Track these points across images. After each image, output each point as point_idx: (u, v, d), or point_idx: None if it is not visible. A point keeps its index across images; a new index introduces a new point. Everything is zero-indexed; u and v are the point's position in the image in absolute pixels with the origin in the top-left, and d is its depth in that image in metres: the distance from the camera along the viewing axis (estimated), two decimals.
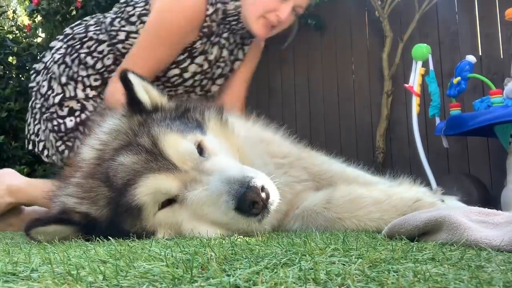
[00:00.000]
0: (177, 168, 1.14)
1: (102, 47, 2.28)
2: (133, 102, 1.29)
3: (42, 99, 2.33)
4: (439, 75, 3.68)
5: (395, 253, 0.76)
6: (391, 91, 4.13)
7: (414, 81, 2.99)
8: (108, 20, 2.32)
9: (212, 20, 2.23)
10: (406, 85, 3.06)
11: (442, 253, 0.76)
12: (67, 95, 2.26)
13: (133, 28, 2.24)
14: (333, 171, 1.67)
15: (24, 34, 5.00)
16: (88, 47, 2.28)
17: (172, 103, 1.36)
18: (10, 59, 4.81)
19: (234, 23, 2.30)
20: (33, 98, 2.43)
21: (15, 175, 2.24)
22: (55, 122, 2.25)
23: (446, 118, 2.95)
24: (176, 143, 1.16)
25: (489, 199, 3.11)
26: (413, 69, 3.02)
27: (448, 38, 3.98)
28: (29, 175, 4.29)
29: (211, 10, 2.19)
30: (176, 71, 2.30)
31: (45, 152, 2.44)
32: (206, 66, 2.36)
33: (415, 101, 2.98)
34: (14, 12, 5.90)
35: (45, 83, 2.33)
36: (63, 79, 2.28)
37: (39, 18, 4.69)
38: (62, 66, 2.31)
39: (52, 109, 2.28)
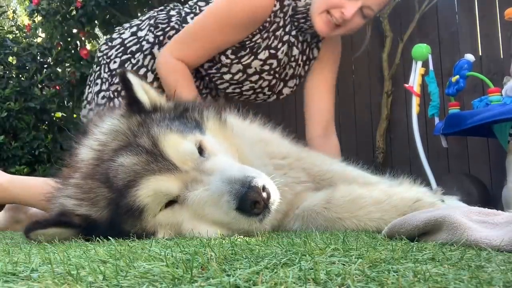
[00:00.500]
0: (177, 168, 1.13)
1: None
2: (132, 102, 1.28)
3: (109, 73, 2.30)
4: (439, 75, 3.68)
5: (395, 253, 0.76)
6: (391, 91, 4.13)
7: (414, 81, 2.99)
8: (183, 13, 2.32)
9: (276, 16, 2.18)
10: (406, 85, 3.06)
11: (442, 253, 0.76)
12: None
13: None
14: (333, 171, 1.67)
15: (24, 34, 5.00)
16: (169, 38, 2.26)
17: (170, 103, 1.35)
18: (10, 59, 4.81)
19: (302, 21, 2.25)
20: (98, 67, 2.39)
21: None
22: (114, 102, 2.22)
23: (445, 117, 2.95)
24: (177, 143, 1.16)
25: (489, 199, 3.11)
26: (413, 69, 3.02)
27: (448, 38, 3.98)
28: (29, 175, 4.30)
29: (278, 6, 2.14)
30: (239, 66, 2.25)
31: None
32: (275, 64, 2.29)
33: (415, 101, 2.98)
34: (14, 12, 5.90)
35: (118, 60, 2.30)
36: (142, 70, 2.25)
37: (39, 18, 4.69)
38: (148, 57, 2.28)
39: (114, 87, 2.25)
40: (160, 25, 2.32)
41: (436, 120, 3.04)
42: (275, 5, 2.14)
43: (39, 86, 4.77)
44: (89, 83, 2.47)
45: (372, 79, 4.33)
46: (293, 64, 2.41)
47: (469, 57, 2.93)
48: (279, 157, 1.56)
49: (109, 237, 1.09)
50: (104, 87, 2.32)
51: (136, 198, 1.09)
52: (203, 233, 1.10)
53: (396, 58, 4.11)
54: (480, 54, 3.79)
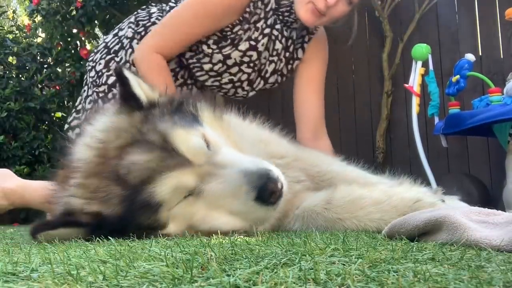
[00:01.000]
0: (191, 163, 1.15)
1: None
2: (129, 98, 1.28)
3: (96, 75, 2.31)
4: (439, 75, 3.68)
5: (395, 253, 0.76)
6: (391, 91, 4.13)
7: (414, 81, 2.99)
8: (167, 8, 2.34)
9: (257, 7, 2.17)
10: (406, 85, 3.06)
11: (442, 253, 0.76)
12: None
13: None
14: (333, 171, 1.66)
15: (24, 34, 5.00)
16: None
17: (164, 98, 1.35)
18: (10, 59, 4.81)
19: (287, 14, 2.24)
20: (86, 74, 2.44)
21: (9, 177, 2.20)
22: (98, 103, 2.23)
23: (445, 117, 2.95)
24: (187, 138, 1.17)
25: (489, 199, 3.11)
26: (413, 69, 3.02)
27: (448, 38, 3.98)
28: (29, 175, 4.29)
29: None
30: (220, 56, 2.24)
31: None
32: (254, 56, 2.27)
33: (415, 101, 2.98)
34: (14, 12, 5.91)
35: (103, 62, 2.32)
36: (127, 66, 2.27)
37: (39, 18, 4.69)
38: (129, 51, 2.29)
39: (101, 88, 2.25)
40: (140, 22, 2.34)
41: (436, 119, 3.04)
42: None
43: (39, 86, 4.77)
44: (82, 92, 2.49)
45: (372, 79, 4.33)
46: (275, 58, 2.37)
47: (470, 57, 2.93)
48: (278, 156, 1.55)
49: (109, 237, 1.09)
50: (90, 91, 2.34)
51: (155, 195, 1.10)
52: (217, 223, 1.14)
53: (396, 58, 4.11)
54: (480, 54, 3.79)
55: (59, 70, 4.73)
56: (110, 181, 1.14)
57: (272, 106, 4.35)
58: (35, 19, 4.81)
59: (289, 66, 2.48)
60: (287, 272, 0.59)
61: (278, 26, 2.29)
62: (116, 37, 2.39)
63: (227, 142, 1.30)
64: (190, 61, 2.29)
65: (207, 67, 2.27)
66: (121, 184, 1.13)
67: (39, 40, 4.99)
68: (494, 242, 0.83)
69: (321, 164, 1.69)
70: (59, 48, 4.60)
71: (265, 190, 1.09)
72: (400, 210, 1.26)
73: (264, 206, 1.12)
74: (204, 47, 2.23)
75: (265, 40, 2.26)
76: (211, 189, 1.14)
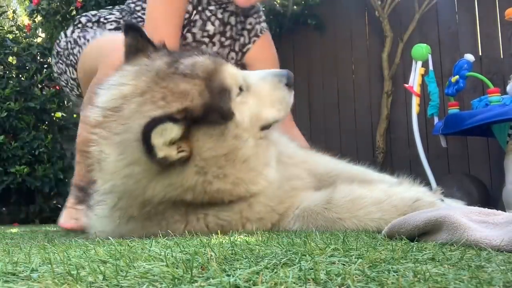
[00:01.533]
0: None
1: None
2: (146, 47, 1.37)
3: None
4: (439, 75, 3.69)
5: (395, 253, 0.76)
6: (391, 91, 4.13)
7: (414, 81, 2.99)
8: (132, 6, 2.31)
9: None
10: (406, 85, 3.07)
11: (442, 253, 0.76)
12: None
13: None
14: (339, 171, 1.68)
15: (24, 34, 5.00)
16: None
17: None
18: (10, 59, 4.81)
19: None
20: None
21: None
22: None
23: (444, 117, 2.95)
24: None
25: (489, 199, 3.11)
26: (413, 69, 3.03)
27: (448, 38, 3.98)
28: (29, 175, 4.30)
29: None
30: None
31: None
32: (189, 38, 2.23)
33: (415, 101, 2.98)
34: (14, 12, 5.90)
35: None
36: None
37: (39, 18, 4.69)
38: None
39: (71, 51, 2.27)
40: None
41: (436, 120, 3.04)
42: None
43: (39, 86, 4.77)
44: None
45: (372, 79, 4.33)
46: (206, 40, 2.26)
47: (469, 57, 2.93)
48: (286, 156, 1.57)
49: (109, 237, 1.09)
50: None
51: (224, 81, 1.26)
52: (263, 113, 1.35)
53: (396, 58, 4.11)
54: (480, 54, 3.79)
55: None
56: (178, 81, 1.21)
57: None
58: (35, 19, 4.81)
59: (233, 54, 2.37)
60: (287, 272, 0.59)
61: (212, 8, 2.21)
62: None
63: None
64: None
65: None
66: (191, 80, 1.22)
67: (39, 40, 5.00)
68: (494, 242, 0.83)
69: (326, 165, 1.70)
70: None
71: (290, 77, 1.45)
72: (400, 209, 1.27)
73: (290, 89, 1.45)
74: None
75: (209, 25, 2.21)
76: (257, 82, 1.38)
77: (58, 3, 4.33)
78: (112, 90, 1.25)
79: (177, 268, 0.63)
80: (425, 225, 0.98)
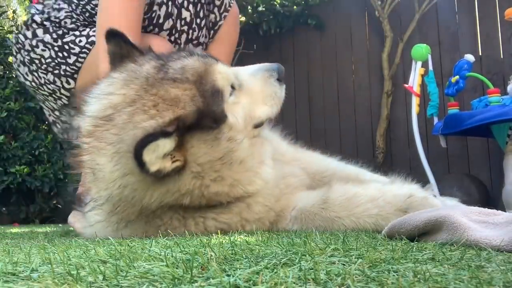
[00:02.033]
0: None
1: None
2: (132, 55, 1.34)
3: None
4: (439, 75, 3.69)
5: (395, 253, 0.76)
6: (391, 91, 4.13)
7: (414, 81, 2.99)
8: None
9: None
10: (406, 85, 3.07)
11: (442, 253, 0.76)
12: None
13: None
14: (333, 169, 1.68)
15: None
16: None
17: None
18: (10, 59, 4.81)
19: None
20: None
21: None
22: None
23: (444, 117, 2.95)
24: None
25: (489, 199, 3.11)
26: (413, 69, 3.03)
27: (448, 38, 3.98)
28: (29, 175, 4.30)
29: None
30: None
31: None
32: (186, 28, 2.11)
33: (415, 101, 2.98)
34: (14, 12, 5.90)
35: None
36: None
37: None
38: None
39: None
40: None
41: (435, 120, 3.04)
42: None
43: None
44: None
45: (372, 79, 4.33)
46: (185, 28, 2.13)
47: (469, 57, 2.93)
48: (279, 153, 1.58)
49: (109, 237, 1.09)
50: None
51: (216, 83, 1.25)
52: (256, 111, 1.35)
53: (396, 58, 4.11)
54: (480, 54, 3.79)
55: None
56: (168, 87, 1.18)
57: None
58: None
59: (207, 33, 2.27)
60: (287, 272, 0.59)
61: None
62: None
63: None
64: None
65: None
66: (182, 85, 1.19)
67: None
68: (494, 242, 0.83)
69: (319, 163, 1.70)
70: None
71: (281, 71, 1.44)
72: (395, 205, 1.29)
73: (282, 84, 1.44)
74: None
75: (173, 9, 2.06)
76: (249, 78, 1.37)
77: None
78: (101, 99, 1.22)
79: (177, 268, 0.63)
80: (425, 225, 0.98)
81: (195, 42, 2.20)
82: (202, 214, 1.29)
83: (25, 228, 2.93)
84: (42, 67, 2.08)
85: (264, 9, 4.78)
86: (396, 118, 4.14)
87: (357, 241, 0.94)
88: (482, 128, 2.74)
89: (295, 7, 4.64)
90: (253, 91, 1.37)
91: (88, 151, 1.20)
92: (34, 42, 2.06)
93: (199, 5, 2.15)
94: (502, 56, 3.74)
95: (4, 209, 4.56)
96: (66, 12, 2.09)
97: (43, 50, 2.04)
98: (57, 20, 2.08)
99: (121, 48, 1.36)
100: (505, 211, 1.19)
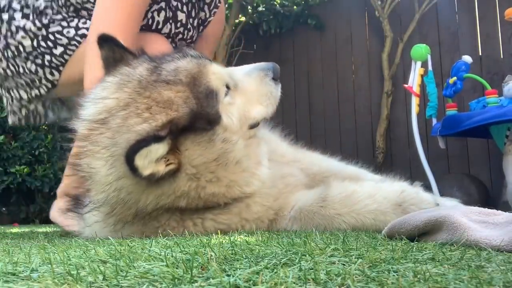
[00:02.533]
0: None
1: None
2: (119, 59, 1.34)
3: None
4: (439, 75, 3.69)
5: (395, 253, 0.76)
6: (391, 91, 4.13)
7: (414, 82, 2.99)
8: None
9: None
10: (406, 85, 3.07)
11: (442, 253, 0.76)
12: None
13: None
14: (334, 170, 1.69)
15: None
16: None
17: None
18: None
19: None
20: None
21: None
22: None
23: (442, 119, 2.95)
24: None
25: (489, 199, 3.11)
26: (413, 70, 3.03)
27: (448, 38, 3.98)
28: (29, 175, 4.30)
29: None
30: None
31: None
32: (182, 30, 2.09)
33: (415, 101, 2.98)
34: None
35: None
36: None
37: None
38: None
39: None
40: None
41: (434, 121, 3.04)
42: None
43: None
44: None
45: (372, 79, 4.33)
46: (181, 29, 2.11)
47: (467, 58, 2.93)
48: (278, 154, 1.58)
49: (109, 237, 1.09)
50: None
51: (210, 84, 1.24)
52: (252, 112, 1.34)
53: (396, 58, 4.11)
54: (480, 54, 3.79)
55: None
56: (161, 89, 1.18)
57: None
58: None
59: (199, 29, 2.26)
60: (287, 272, 0.59)
61: None
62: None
63: None
64: None
65: None
66: (175, 87, 1.19)
67: None
68: (494, 242, 0.83)
69: (319, 163, 1.71)
70: None
71: (276, 70, 1.43)
72: (391, 200, 1.33)
73: (277, 83, 1.43)
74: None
75: (169, 12, 2.04)
76: (244, 78, 1.37)
77: None
78: (96, 104, 1.22)
79: (177, 268, 0.63)
80: (425, 225, 0.98)
81: (189, 41, 2.19)
82: (200, 215, 1.29)
83: (25, 228, 2.93)
84: (21, 56, 2.00)
85: (264, 9, 4.79)
86: (396, 118, 4.14)
87: (357, 241, 0.94)
88: (480, 129, 2.74)
89: (295, 7, 4.64)
90: (248, 91, 1.36)
91: (84, 155, 1.20)
92: (13, 28, 1.98)
93: (190, 4, 2.14)
94: (502, 56, 3.74)
95: (4, 209, 4.56)
96: (45, 1, 2.00)
97: (22, 37, 1.97)
98: (37, 9, 2.00)
99: (114, 52, 1.35)
100: (508, 211, 1.19)
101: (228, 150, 1.23)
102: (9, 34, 2.00)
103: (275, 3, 4.77)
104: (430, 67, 3.02)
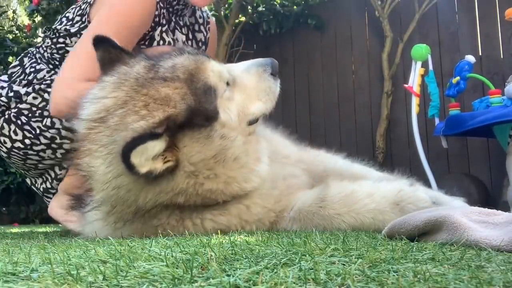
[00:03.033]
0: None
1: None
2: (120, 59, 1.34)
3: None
4: (439, 75, 3.69)
5: (395, 253, 0.76)
6: (391, 91, 4.13)
7: (414, 81, 2.99)
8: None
9: (161, 7, 1.99)
10: (406, 85, 3.06)
11: (442, 253, 0.76)
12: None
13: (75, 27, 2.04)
14: (340, 169, 1.70)
15: (24, 34, 5.00)
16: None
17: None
18: (10, 59, 4.81)
19: (175, 3, 2.08)
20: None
21: None
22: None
23: (446, 118, 2.95)
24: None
25: (489, 199, 3.11)
26: (413, 69, 3.02)
27: (448, 38, 3.98)
28: None
29: None
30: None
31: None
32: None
33: (415, 101, 2.98)
34: (14, 12, 5.90)
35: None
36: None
37: (39, 18, 4.69)
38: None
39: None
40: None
41: (436, 120, 3.04)
42: None
43: None
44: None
45: (372, 79, 4.33)
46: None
47: (470, 58, 2.93)
48: (282, 155, 1.58)
49: (109, 237, 1.09)
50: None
51: (208, 80, 1.24)
52: (250, 108, 1.34)
53: (396, 58, 4.11)
54: (480, 54, 3.79)
55: None
56: (159, 86, 1.18)
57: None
58: (35, 19, 4.81)
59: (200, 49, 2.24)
60: (287, 272, 0.59)
61: (173, 18, 2.11)
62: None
63: None
64: None
65: None
66: (172, 84, 1.19)
67: (39, 40, 4.99)
68: (494, 242, 0.83)
69: (325, 163, 1.71)
70: None
71: (275, 66, 1.43)
72: (390, 199, 1.33)
73: (276, 78, 1.43)
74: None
75: (178, 34, 2.11)
76: (243, 73, 1.37)
77: (58, 3, 4.33)
78: (95, 103, 1.22)
79: (177, 268, 0.63)
80: (425, 225, 0.98)
81: None
82: (199, 215, 1.28)
83: (25, 228, 2.93)
84: (36, 114, 1.91)
85: (264, 9, 4.78)
86: (396, 118, 4.14)
87: (357, 241, 0.94)
88: (483, 129, 2.74)
89: (295, 7, 4.64)
90: (247, 87, 1.36)
91: (84, 154, 1.20)
92: (22, 94, 1.93)
93: (185, 28, 2.19)
94: (502, 56, 3.74)
95: (4, 209, 4.56)
96: (47, 71, 2.00)
97: (34, 98, 1.91)
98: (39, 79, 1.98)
99: (110, 53, 1.36)
100: (508, 211, 1.19)
101: (227, 147, 1.23)
102: (19, 101, 1.94)
103: (275, 3, 4.77)
104: (430, 67, 3.02)
